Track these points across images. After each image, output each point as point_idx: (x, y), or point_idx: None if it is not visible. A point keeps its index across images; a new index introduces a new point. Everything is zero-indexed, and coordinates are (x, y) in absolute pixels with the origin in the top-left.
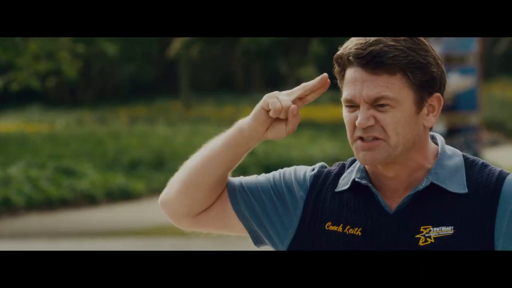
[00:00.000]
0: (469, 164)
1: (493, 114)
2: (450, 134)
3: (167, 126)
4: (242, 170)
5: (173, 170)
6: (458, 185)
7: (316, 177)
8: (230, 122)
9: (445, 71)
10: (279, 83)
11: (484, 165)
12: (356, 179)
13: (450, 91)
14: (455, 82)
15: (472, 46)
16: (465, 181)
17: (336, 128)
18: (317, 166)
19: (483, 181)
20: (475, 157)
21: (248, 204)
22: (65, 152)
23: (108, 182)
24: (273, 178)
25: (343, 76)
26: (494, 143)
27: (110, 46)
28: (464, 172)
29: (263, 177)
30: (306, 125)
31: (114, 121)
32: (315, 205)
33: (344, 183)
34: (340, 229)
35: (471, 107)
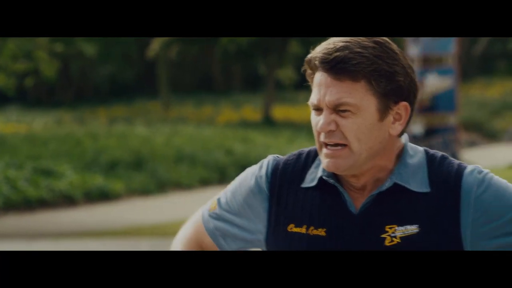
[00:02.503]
0: (430, 159)
1: (471, 115)
2: (429, 135)
3: (146, 126)
4: (221, 170)
5: (152, 170)
6: (420, 184)
7: (273, 176)
8: (209, 123)
9: (416, 80)
10: (258, 84)
11: (444, 158)
12: (324, 177)
13: (429, 92)
14: (433, 83)
15: (450, 47)
16: (427, 179)
17: None
18: (268, 163)
19: (443, 176)
20: (435, 151)
21: (227, 241)
22: (43, 152)
23: (86, 183)
24: (232, 206)
25: (313, 79)
26: (472, 144)
27: (88, 47)
28: (426, 170)
29: (226, 215)
30: (285, 125)
31: (93, 122)
32: (278, 207)
33: (311, 179)
34: (303, 230)
35: (449, 107)
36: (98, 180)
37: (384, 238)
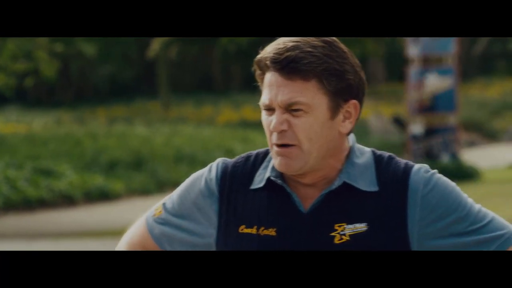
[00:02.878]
0: (377, 159)
1: (471, 115)
2: (428, 135)
3: (146, 126)
4: None
5: (152, 170)
6: (368, 183)
7: (222, 179)
8: (209, 123)
9: (364, 78)
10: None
11: (391, 158)
12: (272, 178)
13: (428, 91)
14: (433, 83)
15: (449, 47)
16: (375, 179)
17: None
18: (217, 166)
19: (390, 175)
20: (382, 151)
21: (172, 245)
22: (43, 152)
23: (86, 183)
24: (180, 210)
25: (262, 79)
26: (472, 144)
27: (88, 47)
28: (374, 169)
29: (173, 220)
30: None
31: (92, 122)
32: (228, 209)
33: (259, 181)
34: (254, 230)
35: (449, 107)
36: (98, 180)
37: (334, 236)
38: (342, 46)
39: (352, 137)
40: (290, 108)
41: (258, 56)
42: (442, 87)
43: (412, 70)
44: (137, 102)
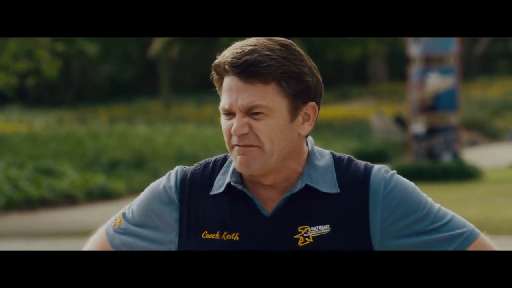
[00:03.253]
0: (337, 162)
1: (472, 114)
2: (430, 134)
3: (147, 126)
4: None
5: (153, 170)
6: (330, 185)
7: (182, 187)
8: (209, 122)
9: (321, 81)
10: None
11: (350, 160)
12: (232, 183)
13: (430, 91)
14: (435, 82)
15: (451, 47)
16: (336, 181)
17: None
18: (176, 174)
19: (350, 177)
20: (341, 154)
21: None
22: (44, 152)
23: (88, 182)
24: (140, 219)
25: (221, 84)
26: (473, 143)
27: (90, 46)
28: (334, 172)
29: (133, 229)
30: None
31: (93, 121)
32: (189, 216)
33: (218, 186)
34: (217, 236)
35: (451, 107)
36: (99, 180)
37: (298, 239)
38: (298, 48)
39: (310, 139)
40: (251, 112)
41: (216, 61)
42: (443, 87)
43: (414, 70)
44: (138, 101)
